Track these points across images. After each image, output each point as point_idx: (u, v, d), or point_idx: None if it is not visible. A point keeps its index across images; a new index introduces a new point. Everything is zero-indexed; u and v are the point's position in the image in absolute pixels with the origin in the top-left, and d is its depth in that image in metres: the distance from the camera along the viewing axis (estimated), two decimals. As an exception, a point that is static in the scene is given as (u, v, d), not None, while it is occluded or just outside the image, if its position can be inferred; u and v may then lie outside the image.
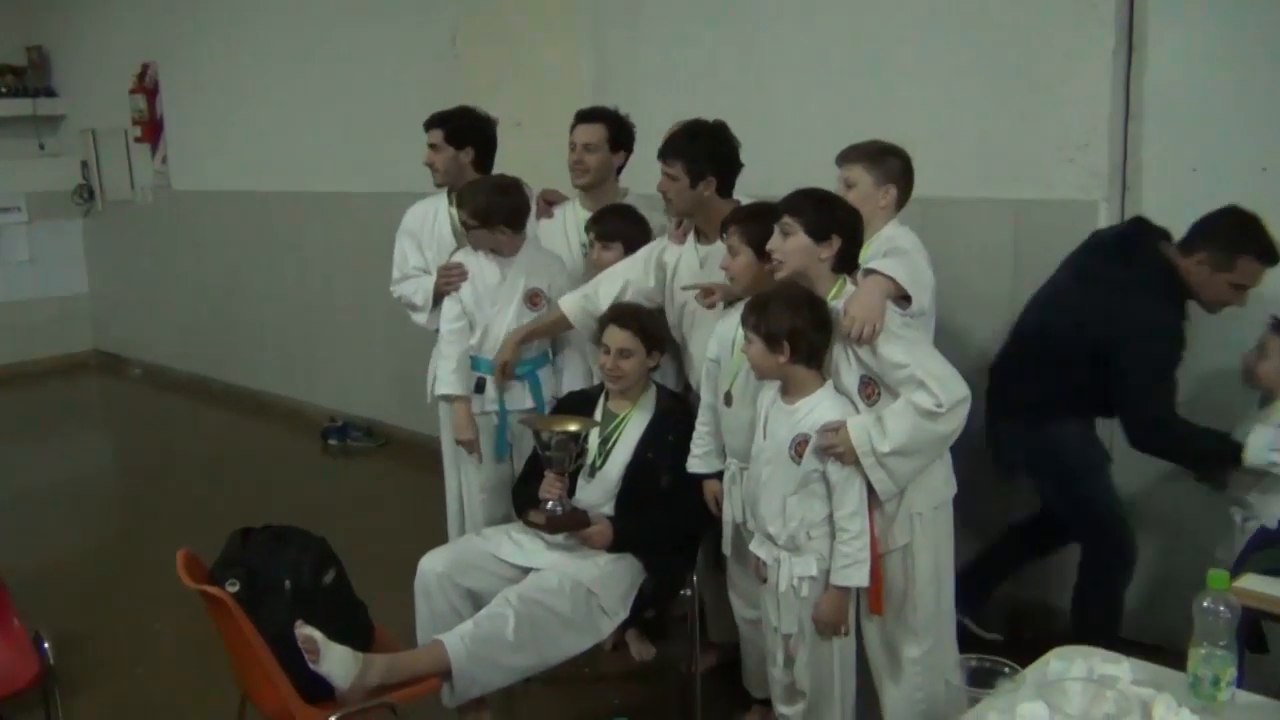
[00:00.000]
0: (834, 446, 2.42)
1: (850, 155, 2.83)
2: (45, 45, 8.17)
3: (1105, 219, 3.26)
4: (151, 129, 7.40)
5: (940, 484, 2.58)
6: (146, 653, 3.67)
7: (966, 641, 2.76)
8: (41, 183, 8.14)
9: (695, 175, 2.93)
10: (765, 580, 2.60)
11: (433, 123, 3.67)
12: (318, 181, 6.14)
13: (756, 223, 2.68)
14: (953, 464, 2.62)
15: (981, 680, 1.75)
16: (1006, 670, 1.76)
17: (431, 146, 3.65)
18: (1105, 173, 3.25)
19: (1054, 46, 3.28)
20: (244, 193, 6.77)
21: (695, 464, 2.96)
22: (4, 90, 7.98)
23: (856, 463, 2.42)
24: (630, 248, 3.29)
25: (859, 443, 2.40)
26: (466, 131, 3.64)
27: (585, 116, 3.52)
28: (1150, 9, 3.17)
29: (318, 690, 2.40)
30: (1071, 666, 1.87)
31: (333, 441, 6.07)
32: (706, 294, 2.92)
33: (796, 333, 2.43)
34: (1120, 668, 1.86)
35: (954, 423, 2.41)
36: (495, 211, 3.31)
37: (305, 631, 2.37)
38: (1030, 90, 3.34)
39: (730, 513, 2.86)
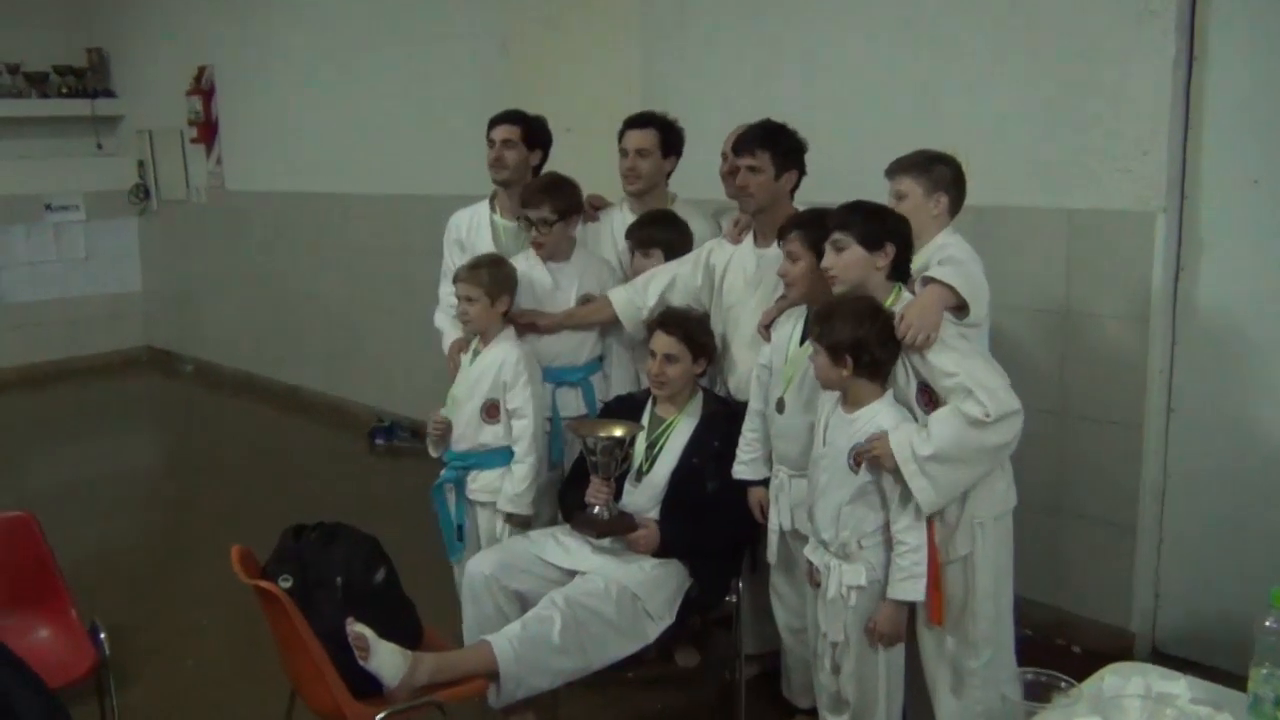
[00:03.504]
0: (871, 450, 2.42)
1: (899, 167, 2.78)
2: (105, 47, 8.32)
3: (1163, 231, 3.21)
4: (207, 130, 7.52)
5: (1002, 493, 2.55)
6: (197, 645, 3.72)
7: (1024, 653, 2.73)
8: (99, 182, 8.29)
9: (781, 167, 2.94)
10: (818, 585, 2.59)
11: (507, 119, 3.58)
12: (368, 184, 6.20)
13: (819, 228, 2.64)
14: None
15: (1038, 694, 1.74)
16: (1063, 685, 1.74)
17: (506, 142, 3.55)
18: (1163, 183, 3.19)
19: (1113, 54, 3.23)
20: (295, 193, 6.86)
21: (741, 470, 2.95)
22: (64, 91, 8.14)
23: (896, 470, 2.40)
24: (670, 254, 3.28)
25: (899, 448, 2.38)
26: (539, 134, 3.61)
27: (636, 122, 3.49)
28: (1212, 15, 3.11)
29: (367, 687, 2.43)
30: (1128, 683, 1.84)
31: (379, 441, 6.13)
32: (765, 327, 2.92)
33: (860, 345, 2.41)
34: (1178, 685, 1.84)
35: (1003, 434, 2.38)
36: (575, 202, 3.33)
37: (356, 629, 2.40)
38: (1087, 98, 3.29)
39: (776, 520, 2.85)
